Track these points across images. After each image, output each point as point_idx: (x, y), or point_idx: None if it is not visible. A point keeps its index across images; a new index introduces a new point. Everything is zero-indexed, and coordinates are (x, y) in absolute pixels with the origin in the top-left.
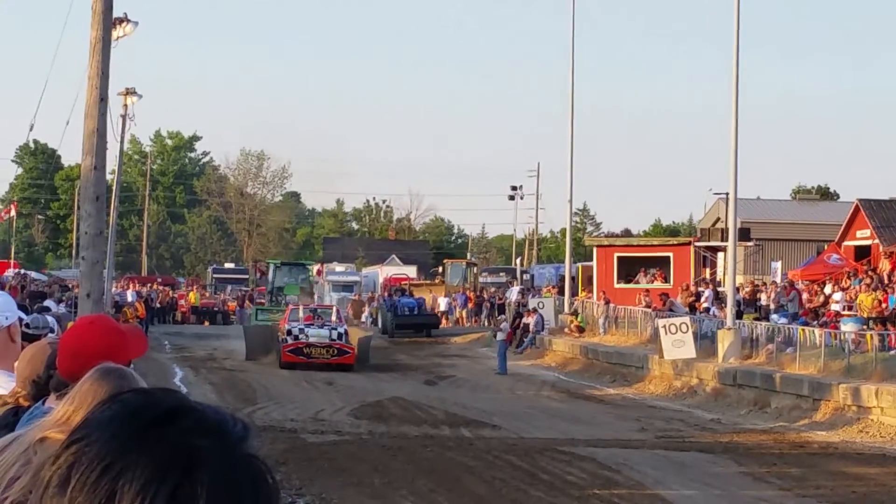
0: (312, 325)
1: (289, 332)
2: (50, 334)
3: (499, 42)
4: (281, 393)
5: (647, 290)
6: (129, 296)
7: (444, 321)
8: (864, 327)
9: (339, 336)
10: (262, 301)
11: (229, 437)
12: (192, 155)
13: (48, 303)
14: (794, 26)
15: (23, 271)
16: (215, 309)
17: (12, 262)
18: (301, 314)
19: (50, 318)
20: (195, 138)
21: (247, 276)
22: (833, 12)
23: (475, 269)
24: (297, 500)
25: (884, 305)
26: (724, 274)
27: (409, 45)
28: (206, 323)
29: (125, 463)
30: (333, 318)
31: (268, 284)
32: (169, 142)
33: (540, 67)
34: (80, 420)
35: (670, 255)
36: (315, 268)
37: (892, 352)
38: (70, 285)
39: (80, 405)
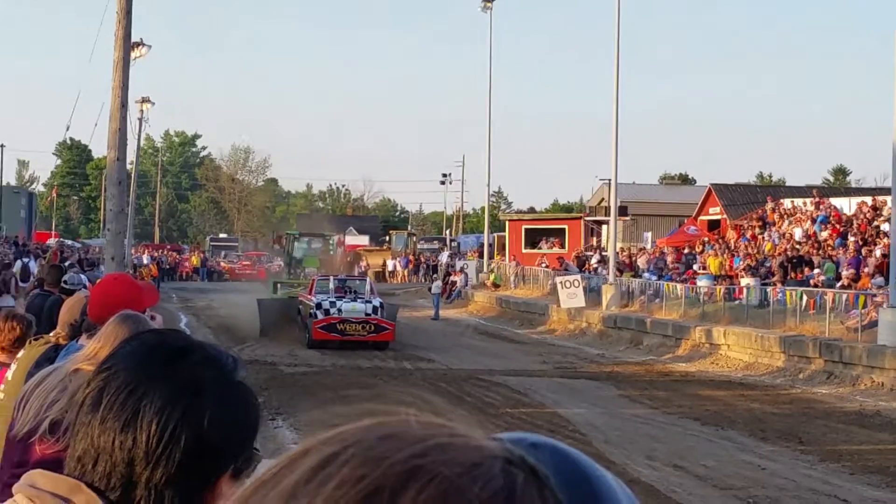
0: (344, 298)
1: (318, 306)
2: (83, 289)
3: (431, 57)
4: (264, 334)
5: (545, 254)
6: (145, 259)
7: (390, 279)
8: (715, 283)
9: (375, 310)
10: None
11: (225, 368)
12: (194, 149)
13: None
14: (667, 42)
15: (60, 240)
16: (213, 269)
17: (53, 233)
18: (331, 286)
19: (83, 276)
20: (196, 136)
21: (237, 244)
22: (694, 33)
23: (414, 238)
24: (276, 418)
25: (727, 265)
26: (608, 242)
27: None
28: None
29: (147, 388)
30: (367, 290)
31: (285, 256)
32: (175, 139)
33: (465, 77)
34: (107, 354)
35: (566, 227)
36: (336, 238)
37: (736, 302)
38: (94, 252)
39: (105, 343)
